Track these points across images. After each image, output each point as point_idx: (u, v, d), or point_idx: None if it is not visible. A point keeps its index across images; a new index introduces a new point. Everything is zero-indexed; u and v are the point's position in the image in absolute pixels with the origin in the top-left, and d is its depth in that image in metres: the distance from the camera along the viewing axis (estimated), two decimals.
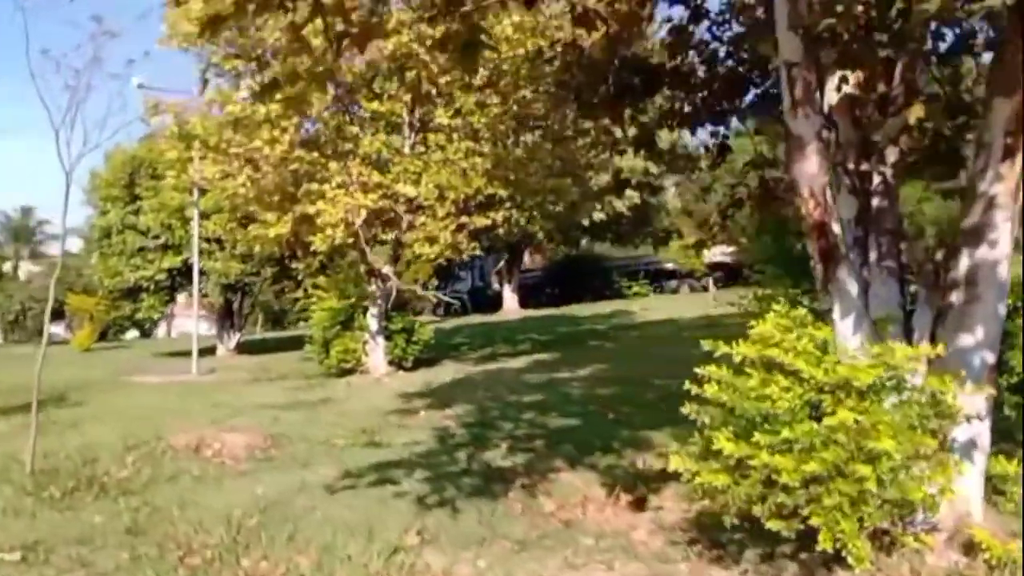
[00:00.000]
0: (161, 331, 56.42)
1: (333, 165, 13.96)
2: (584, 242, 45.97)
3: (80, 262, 59.01)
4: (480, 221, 13.99)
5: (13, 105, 49.64)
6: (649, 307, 29.54)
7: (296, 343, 29.14)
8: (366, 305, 16.22)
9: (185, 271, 23.69)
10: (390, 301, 16.36)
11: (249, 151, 14.69)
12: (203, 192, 20.69)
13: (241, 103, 13.68)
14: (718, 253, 45.14)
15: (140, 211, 23.45)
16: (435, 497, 6.40)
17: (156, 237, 23.28)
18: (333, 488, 6.81)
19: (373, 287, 16.19)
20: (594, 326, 24.35)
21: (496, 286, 43.52)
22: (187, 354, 28.60)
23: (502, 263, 39.54)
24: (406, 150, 14.98)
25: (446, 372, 15.42)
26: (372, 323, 16.02)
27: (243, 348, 26.20)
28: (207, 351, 28.43)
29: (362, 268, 16.33)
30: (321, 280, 17.17)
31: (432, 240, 14.23)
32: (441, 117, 14.48)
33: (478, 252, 15.43)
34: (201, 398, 13.26)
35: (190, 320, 50.37)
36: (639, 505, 6.11)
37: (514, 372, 14.54)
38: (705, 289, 41.04)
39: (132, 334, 54.71)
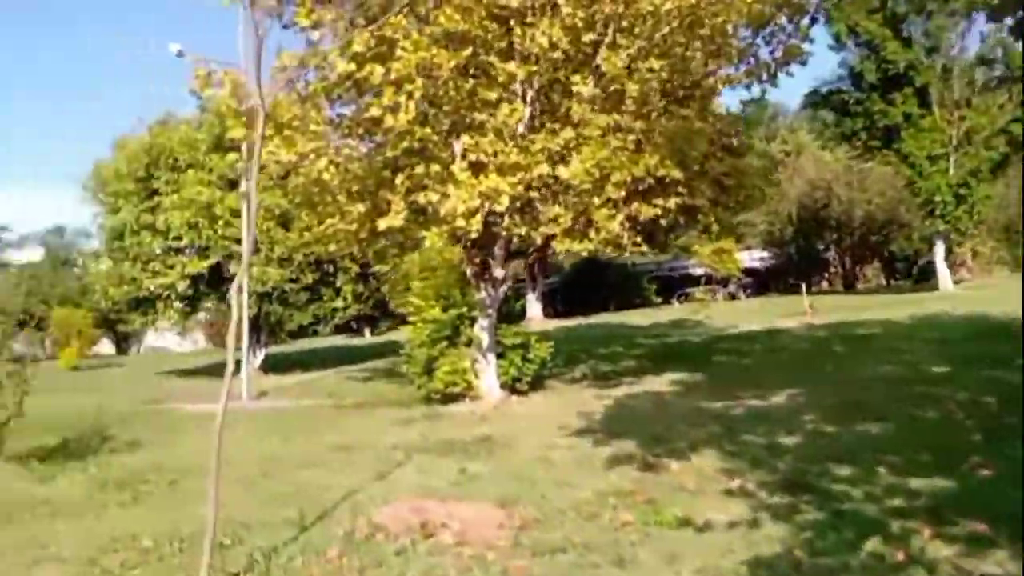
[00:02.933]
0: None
1: (466, 139, 11.19)
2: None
3: (47, 271, 55.06)
4: (647, 211, 11.27)
5: None
6: (712, 315, 27.09)
7: (323, 358, 26.14)
8: (473, 316, 13.44)
9: (211, 278, 20.58)
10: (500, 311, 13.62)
11: (359, 122, 11.92)
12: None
13: (352, 61, 10.86)
14: (754, 258, 43.13)
15: (159, 208, 20.25)
16: None
17: (178, 238, 20.10)
18: None
19: (483, 294, 13.41)
20: (672, 338, 21.79)
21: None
22: (198, 374, 25.45)
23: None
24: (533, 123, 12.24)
25: (573, 398, 12.67)
26: (483, 337, 13.23)
27: (270, 366, 23.09)
28: (222, 369, 25.18)
29: (468, 271, 13.54)
30: (416, 285, 14.32)
31: (583, 235, 11.51)
32: (580, 85, 11.77)
33: (644, 248, 12.70)
34: (309, 437, 10.40)
35: (158, 335, 46.83)
36: None
37: (669, 398, 11.86)
38: (733, 297, 38.81)
39: (107, 348, 50.84)
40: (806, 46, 13.45)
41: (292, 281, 20.44)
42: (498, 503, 6.31)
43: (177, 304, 20.92)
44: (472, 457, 8.43)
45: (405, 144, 11.55)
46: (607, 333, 24.39)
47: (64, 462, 9.42)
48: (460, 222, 11.06)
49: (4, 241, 61.19)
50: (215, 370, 27.25)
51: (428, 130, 11.34)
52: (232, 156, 13.62)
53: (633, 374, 14.71)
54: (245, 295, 16.88)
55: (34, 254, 62.52)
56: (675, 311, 32.91)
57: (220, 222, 19.67)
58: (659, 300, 41.02)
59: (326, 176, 12.70)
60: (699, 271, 39.46)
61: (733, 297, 39.07)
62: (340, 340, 37.78)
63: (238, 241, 19.80)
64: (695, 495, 6.45)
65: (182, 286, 20.20)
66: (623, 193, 10.94)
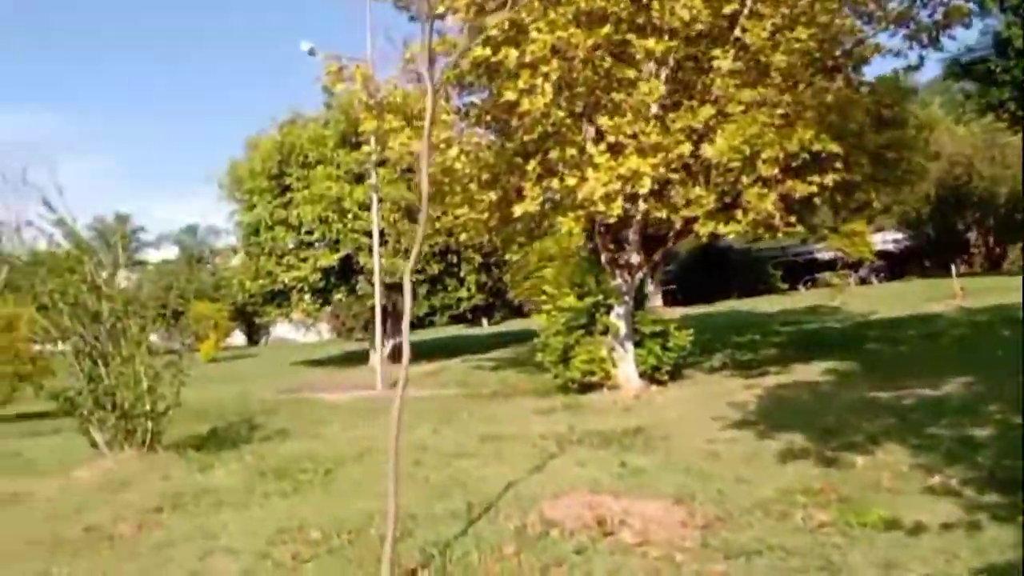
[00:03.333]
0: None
1: (604, 120, 10.79)
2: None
3: (183, 268, 58.05)
4: (802, 188, 10.56)
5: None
6: (847, 301, 25.66)
7: (445, 348, 26.30)
8: (608, 304, 13.03)
9: (341, 270, 20.97)
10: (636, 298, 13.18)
11: (488, 109, 11.74)
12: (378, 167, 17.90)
13: (486, 45, 10.65)
14: (887, 241, 40.82)
15: (291, 204, 20.78)
16: None
17: (309, 232, 20.57)
18: None
19: (618, 280, 13.00)
20: (810, 325, 20.71)
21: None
22: (327, 364, 26.16)
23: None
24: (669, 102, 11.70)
25: (716, 388, 12.09)
26: (620, 325, 12.82)
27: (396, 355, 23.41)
28: (356, 359, 25.88)
29: (602, 257, 13.16)
30: (548, 273, 14.04)
31: (728, 216, 10.92)
32: (721, 60, 11.14)
33: (799, 229, 12.01)
34: (454, 427, 10.28)
35: (285, 326, 48.62)
36: None
37: (827, 388, 11.12)
38: (864, 282, 36.80)
39: (238, 340, 53.21)
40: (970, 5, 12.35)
41: (418, 272, 20.57)
42: (673, 499, 5.91)
43: (309, 296, 21.44)
44: (628, 449, 8.05)
45: (540, 128, 11.26)
46: (738, 320, 23.45)
47: (217, 451, 9.62)
48: (599, 206, 10.67)
49: (142, 241, 64.95)
50: (343, 360, 28.01)
51: (562, 113, 11.00)
52: (365, 148, 13.59)
53: (777, 363, 13.93)
54: (377, 284, 17.05)
55: (169, 253, 66.30)
56: (804, 297, 31.51)
57: (349, 215, 19.99)
58: (784, 286, 39.34)
59: (457, 165, 12.58)
60: (826, 255, 37.60)
61: (864, 281, 37.09)
62: (456, 330, 38.14)
63: (367, 234, 20.11)
64: (893, 493, 5.86)
65: (314, 278, 20.66)
66: (776, 171, 10.27)
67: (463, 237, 14.62)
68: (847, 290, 30.17)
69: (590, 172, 10.67)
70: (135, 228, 64.08)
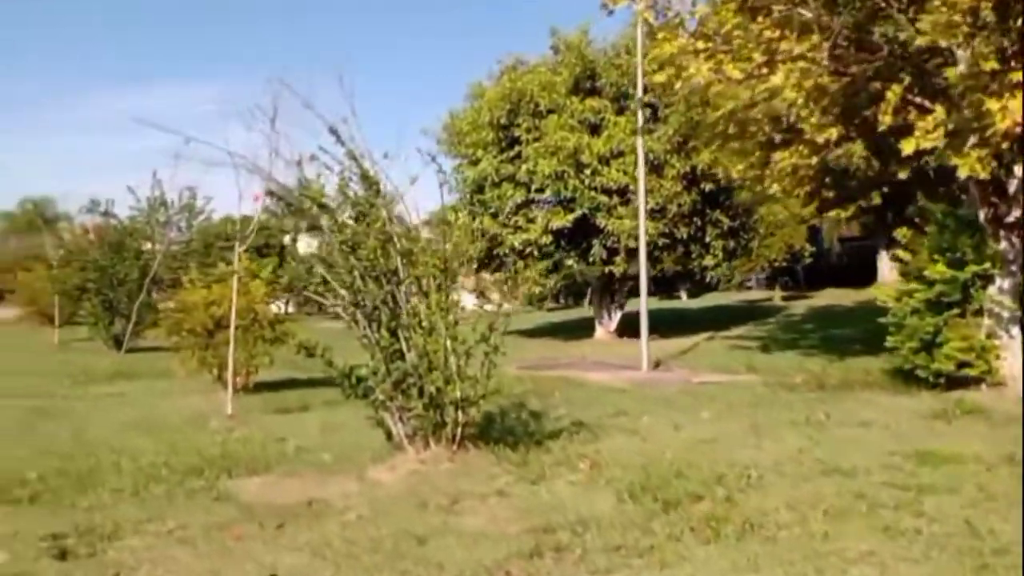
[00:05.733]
0: None
1: None
2: None
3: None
4: None
5: None
6: None
7: (664, 322, 23.59)
8: (988, 275, 9.97)
9: (573, 233, 18.73)
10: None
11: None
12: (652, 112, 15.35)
13: None
14: None
15: (520, 158, 18.69)
16: None
17: (540, 190, 18.42)
18: None
19: (1003, 244, 9.90)
20: None
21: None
22: (540, 334, 24.11)
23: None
24: None
25: None
26: (1004, 304, 9.75)
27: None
28: (565, 330, 23.72)
29: (980, 214, 10.08)
30: (905, 233, 11.11)
31: None
32: None
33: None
34: (846, 442, 7.66)
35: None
36: None
37: None
38: None
39: None
40: None
41: (664, 235, 18.02)
42: None
43: (540, 262, 19.31)
44: None
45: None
46: None
47: (525, 449, 7.47)
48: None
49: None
50: (558, 331, 25.85)
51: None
52: (657, 77, 11.13)
53: None
54: (643, 247, 14.62)
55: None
56: None
57: (587, 171, 17.67)
58: None
59: (789, 94, 9.89)
60: None
61: None
62: (653, 303, 35.31)
63: (607, 192, 17.74)
64: None
65: (545, 241, 18.55)
66: None
67: (774, 188, 11.85)
68: None
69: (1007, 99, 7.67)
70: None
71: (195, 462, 7.51)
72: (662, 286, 31.01)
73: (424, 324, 7.20)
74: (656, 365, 14.31)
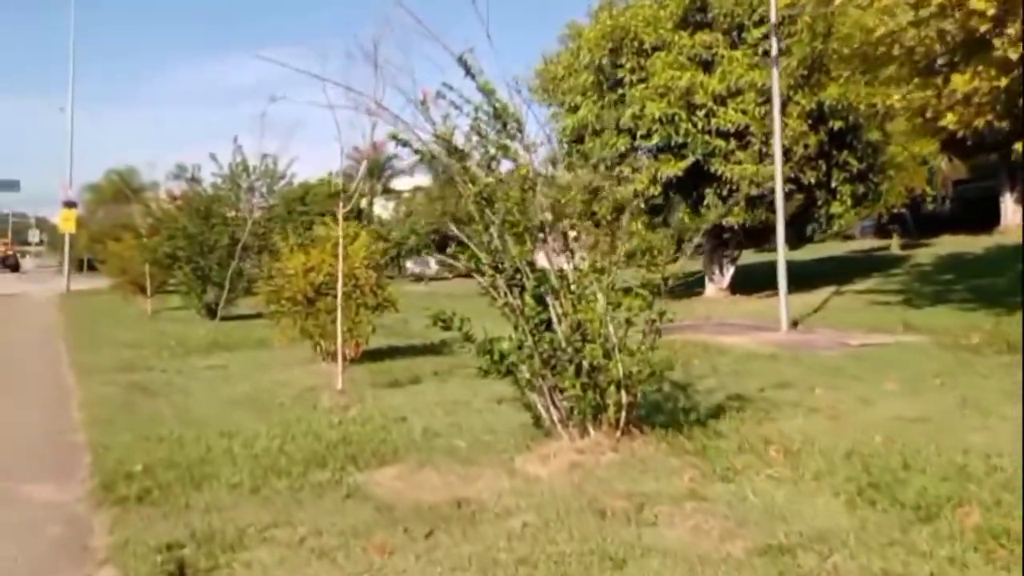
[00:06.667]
0: None
1: None
2: None
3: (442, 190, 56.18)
4: None
5: None
6: None
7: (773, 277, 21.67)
8: None
9: (683, 183, 17.26)
10: None
11: None
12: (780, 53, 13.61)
13: None
14: None
15: (623, 102, 17.24)
16: None
17: (646, 136, 16.97)
18: None
19: None
20: None
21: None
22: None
23: None
24: None
25: None
26: None
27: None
28: (686, 287, 21.94)
29: None
30: None
31: None
32: None
33: None
34: None
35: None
36: None
37: None
38: None
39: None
40: None
41: (790, 180, 16.38)
42: None
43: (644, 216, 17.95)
44: None
45: None
46: None
47: (689, 431, 6.33)
48: None
49: (395, 168, 62.97)
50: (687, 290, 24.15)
51: None
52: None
53: None
54: (779, 192, 13.13)
55: (423, 180, 64.80)
56: None
57: (700, 112, 16.14)
58: None
59: (977, 3, 8.30)
60: None
61: None
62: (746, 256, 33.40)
63: (723, 135, 16.19)
64: None
65: (652, 192, 17.15)
66: None
67: (948, 119, 10.20)
68: None
69: None
70: (389, 156, 63.29)
71: (315, 448, 6.63)
72: (754, 238, 29.22)
73: (574, 288, 6.10)
74: (794, 325, 12.93)
